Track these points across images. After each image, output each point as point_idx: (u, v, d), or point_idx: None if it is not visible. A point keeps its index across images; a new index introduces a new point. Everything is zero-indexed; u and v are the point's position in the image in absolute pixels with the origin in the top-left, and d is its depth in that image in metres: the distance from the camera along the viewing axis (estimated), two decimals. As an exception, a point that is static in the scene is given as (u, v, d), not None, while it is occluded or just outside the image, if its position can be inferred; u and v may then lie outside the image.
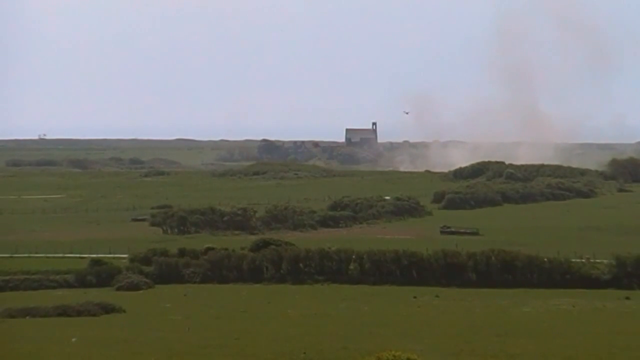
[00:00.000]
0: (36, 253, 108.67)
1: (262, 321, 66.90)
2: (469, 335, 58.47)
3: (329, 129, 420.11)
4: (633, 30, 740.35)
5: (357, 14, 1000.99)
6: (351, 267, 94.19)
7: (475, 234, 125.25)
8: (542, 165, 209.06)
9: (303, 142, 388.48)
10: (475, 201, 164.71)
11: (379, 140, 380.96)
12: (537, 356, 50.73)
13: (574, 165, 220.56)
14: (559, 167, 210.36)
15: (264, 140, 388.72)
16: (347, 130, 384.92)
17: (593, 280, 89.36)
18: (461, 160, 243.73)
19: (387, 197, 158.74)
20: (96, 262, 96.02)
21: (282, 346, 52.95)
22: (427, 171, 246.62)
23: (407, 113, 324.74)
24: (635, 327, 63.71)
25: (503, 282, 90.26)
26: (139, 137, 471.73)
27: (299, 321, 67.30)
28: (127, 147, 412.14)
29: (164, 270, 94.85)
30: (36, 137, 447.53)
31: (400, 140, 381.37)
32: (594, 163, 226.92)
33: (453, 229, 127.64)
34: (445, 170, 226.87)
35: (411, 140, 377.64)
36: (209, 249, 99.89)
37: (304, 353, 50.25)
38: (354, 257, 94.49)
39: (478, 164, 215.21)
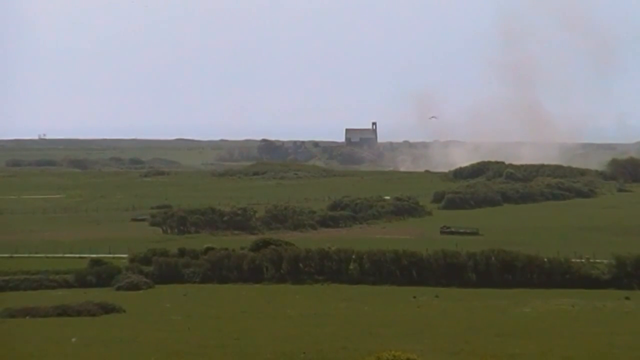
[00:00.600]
0: (36, 253, 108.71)
1: (262, 321, 66.87)
2: (469, 335, 58.43)
3: (329, 129, 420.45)
4: (636, 29, 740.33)
5: (357, 14, 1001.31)
6: (351, 267, 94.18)
7: (475, 234, 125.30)
8: (542, 165, 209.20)
9: (303, 142, 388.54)
10: (475, 201, 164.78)
11: (379, 140, 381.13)
12: (537, 356, 50.71)
13: (577, 165, 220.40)
14: (559, 167, 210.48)
15: (264, 140, 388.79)
16: (347, 130, 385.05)
17: (593, 280, 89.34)
18: (463, 160, 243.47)
19: (387, 197, 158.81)
20: (96, 262, 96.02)
21: (282, 346, 52.93)
22: (427, 171, 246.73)
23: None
24: (635, 327, 63.68)
25: (503, 282, 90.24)
26: (139, 137, 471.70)
27: (299, 321, 67.27)
28: (127, 147, 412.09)
29: (164, 270, 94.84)
30: (36, 137, 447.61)
31: (400, 140, 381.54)
32: (597, 163, 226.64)
33: (453, 229, 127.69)
34: (448, 170, 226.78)
35: (411, 140, 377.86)
36: (209, 249, 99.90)
37: (304, 353, 50.24)
38: (353, 257, 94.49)
39: (478, 163, 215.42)
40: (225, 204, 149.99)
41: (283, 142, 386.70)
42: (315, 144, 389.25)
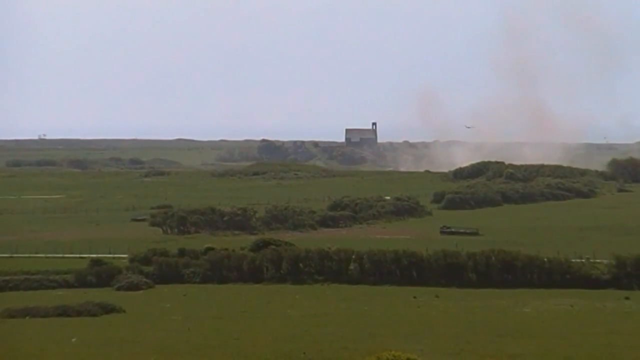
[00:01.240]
0: (36, 253, 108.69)
1: (262, 321, 66.89)
2: (469, 335, 58.46)
3: (329, 129, 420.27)
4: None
5: (357, 14, 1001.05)
6: (351, 267, 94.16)
7: (475, 234, 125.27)
8: (542, 166, 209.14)
9: (303, 142, 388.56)
10: (475, 201, 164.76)
11: (379, 140, 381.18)
12: (537, 356, 50.75)
13: (581, 166, 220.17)
14: (559, 167, 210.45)
15: (264, 140, 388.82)
16: (347, 130, 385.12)
17: (593, 280, 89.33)
18: (466, 160, 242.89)
19: (387, 197, 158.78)
20: (96, 262, 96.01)
21: (282, 346, 52.96)
22: (427, 171, 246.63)
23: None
24: (635, 327, 63.71)
25: (503, 282, 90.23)
26: (139, 137, 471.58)
27: (299, 321, 67.29)
28: (127, 147, 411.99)
29: (164, 270, 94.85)
30: (36, 137, 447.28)
31: (400, 140, 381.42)
32: (600, 164, 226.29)
33: (453, 229, 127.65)
34: (450, 170, 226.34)
35: (411, 140, 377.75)
36: (209, 249, 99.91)
37: (304, 353, 50.27)
38: (354, 257, 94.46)
39: (478, 163, 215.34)
40: (225, 204, 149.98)
41: (283, 142, 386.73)
42: (315, 144, 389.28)
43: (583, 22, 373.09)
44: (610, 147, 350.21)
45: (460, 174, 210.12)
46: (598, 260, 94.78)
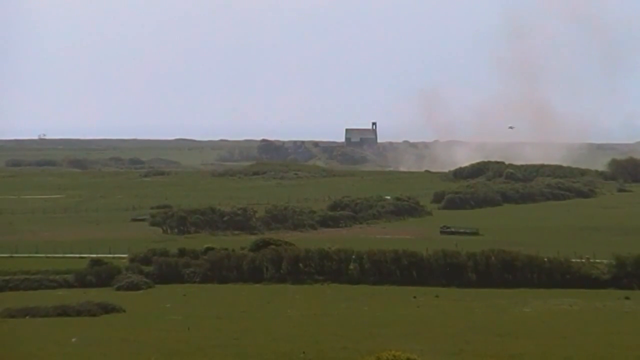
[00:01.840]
0: (36, 253, 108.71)
1: (262, 321, 66.89)
2: (469, 335, 58.45)
3: (329, 129, 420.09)
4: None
5: (357, 13, 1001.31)
6: (351, 267, 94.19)
7: (475, 234, 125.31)
8: (542, 165, 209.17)
9: (303, 142, 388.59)
10: (475, 201, 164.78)
11: (379, 140, 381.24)
12: (537, 356, 50.74)
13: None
14: (559, 167, 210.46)
15: (264, 140, 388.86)
16: (347, 130, 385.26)
17: (593, 280, 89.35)
18: (468, 159, 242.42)
19: (387, 197, 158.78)
20: (96, 262, 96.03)
21: (282, 346, 52.95)
22: (427, 171, 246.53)
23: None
24: (635, 327, 63.72)
25: (503, 282, 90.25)
26: (139, 137, 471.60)
27: (299, 321, 67.29)
28: (127, 147, 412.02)
29: (164, 270, 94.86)
30: (36, 137, 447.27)
31: (400, 140, 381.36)
32: (602, 164, 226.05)
33: (453, 229, 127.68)
34: (452, 170, 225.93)
35: (411, 140, 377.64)
36: (209, 249, 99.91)
37: (304, 353, 50.27)
38: (354, 257, 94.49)
39: (478, 163, 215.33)
40: (225, 204, 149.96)
41: (283, 142, 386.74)
42: (315, 144, 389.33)
43: (587, 22, 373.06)
44: (611, 147, 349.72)
45: (460, 173, 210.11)
46: (598, 260, 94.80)
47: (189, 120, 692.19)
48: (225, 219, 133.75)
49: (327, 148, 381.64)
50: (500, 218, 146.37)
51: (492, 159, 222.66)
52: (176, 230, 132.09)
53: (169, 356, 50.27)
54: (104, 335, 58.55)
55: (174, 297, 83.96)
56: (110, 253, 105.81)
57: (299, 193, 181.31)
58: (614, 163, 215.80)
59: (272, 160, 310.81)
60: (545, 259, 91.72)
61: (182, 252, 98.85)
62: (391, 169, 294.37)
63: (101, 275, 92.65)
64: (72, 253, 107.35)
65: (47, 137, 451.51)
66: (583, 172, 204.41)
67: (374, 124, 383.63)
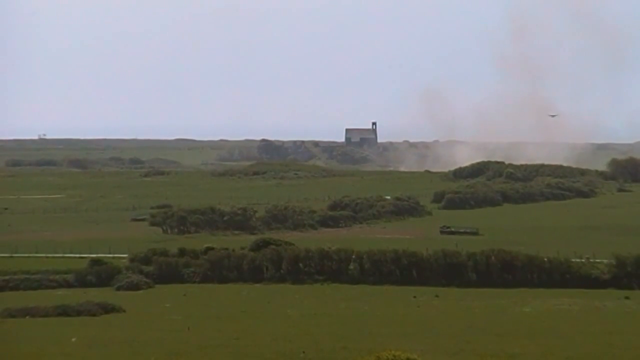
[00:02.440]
0: (36, 253, 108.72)
1: (262, 321, 66.90)
2: (469, 335, 58.46)
3: (329, 129, 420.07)
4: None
5: (357, 13, 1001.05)
6: (351, 267, 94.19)
7: (475, 233, 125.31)
8: (542, 165, 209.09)
9: (303, 142, 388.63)
10: (475, 201, 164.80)
11: (379, 140, 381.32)
12: (537, 356, 50.73)
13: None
14: (559, 167, 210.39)
15: (264, 140, 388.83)
16: (347, 130, 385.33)
17: (593, 280, 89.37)
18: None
19: (387, 197, 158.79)
20: (96, 262, 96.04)
21: (282, 346, 52.95)
22: (427, 171, 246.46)
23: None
24: (635, 327, 63.73)
25: (503, 282, 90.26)
26: (139, 137, 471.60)
27: (299, 321, 67.30)
28: (127, 147, 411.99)
29: (164, 270, 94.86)
30: (36, 137, 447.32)
31: (400, 140, 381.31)
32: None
33: (453, 229, 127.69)
34: (452, 170, 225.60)
35: (411, 140, 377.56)
36: (209, 248, 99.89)
37: (304, 352, 50.27)
38: (354, 257, 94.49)
39: (478, 163, 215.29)
40: (225, 204, 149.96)
41: (283, 142, 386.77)
42: (315, 144, 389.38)
43: (590, 21, 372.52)
44: (613, 147, 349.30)
45: (460, 173, 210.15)
46: (598, 260, 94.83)
47: (189, 120, 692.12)
48: (225, 218, 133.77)
49: (327, 148, 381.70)
50: (500, 218, 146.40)
51: (494, 159, 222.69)
52: (176, 230, 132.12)
53: (169, 356, 50.26)
54: (104, 335, 58.55)
55: (174, 297, 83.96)
56: (110, 253, 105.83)
57: (299, 193, 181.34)
58: (614, 163, 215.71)
59: (272, 160, 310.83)
60: (545, 259, 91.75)
61: (182, 252, 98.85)
62: (391, 169, 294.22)
63: (101, 275, 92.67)
64: (72, 253, 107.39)
65: (47, 137, 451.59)
66: (583, 172, 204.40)
67: (374, 123, 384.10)
